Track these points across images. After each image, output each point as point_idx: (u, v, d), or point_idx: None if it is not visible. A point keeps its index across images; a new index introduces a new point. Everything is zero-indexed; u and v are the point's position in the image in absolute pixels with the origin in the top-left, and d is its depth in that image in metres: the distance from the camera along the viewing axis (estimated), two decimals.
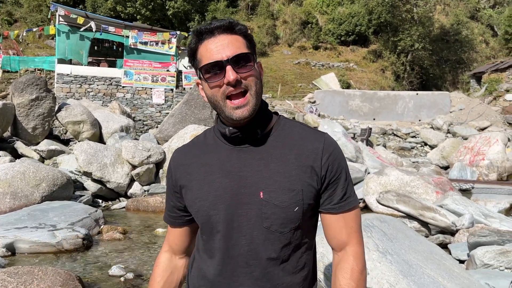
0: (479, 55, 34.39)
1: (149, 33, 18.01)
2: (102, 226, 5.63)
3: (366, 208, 7.52)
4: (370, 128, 17.63)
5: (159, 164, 8.15)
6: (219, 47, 1.07)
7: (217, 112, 1.16)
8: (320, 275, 2.00)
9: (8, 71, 18.13)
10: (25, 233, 4.66)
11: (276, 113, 1.25)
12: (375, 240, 1.88)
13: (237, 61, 1.07)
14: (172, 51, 17.97)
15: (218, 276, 1.17)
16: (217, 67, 1.07)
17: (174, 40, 18.05)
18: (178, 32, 18.83)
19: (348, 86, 27.59)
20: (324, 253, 1.98)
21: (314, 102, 22.81)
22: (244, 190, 1.12)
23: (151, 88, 17.29)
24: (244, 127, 1.12)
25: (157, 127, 15.25)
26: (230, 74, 1.05)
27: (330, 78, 27.33)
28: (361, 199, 7.76)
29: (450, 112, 22.30)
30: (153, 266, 1.40)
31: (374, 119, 22.55)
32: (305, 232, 1.18)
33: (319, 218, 1.23)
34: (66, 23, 17.26)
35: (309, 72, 29.05)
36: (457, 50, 33.40)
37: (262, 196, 1.11)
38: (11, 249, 4.57)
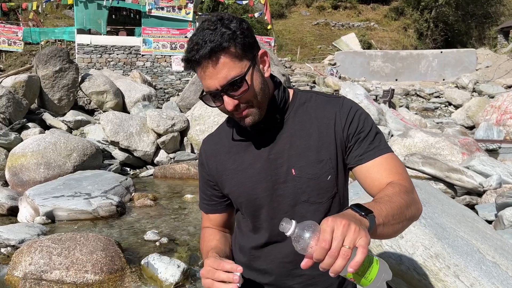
0: (506, 8, 32.71)
1: None
2: (133, 194, 5.84)
3: None
4: (393, 89, 17.32)
5: (183, 132, 8.27)
6: (210, 75, 1.06)
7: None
8: None
9: (29, 43, 18.33)
10: (63, 202, 4.89)
11: (290, 87, 1.27)
12: None
13: (231, 85, 1.06)
14: (190, 17, 17.75)
15: (259, 249, 1.25)
16: (215, 95, 1.09)
17: (190, 5, 17.78)
18: None
19: (369, 46, 26.86)
20: None
21: (335, 64, 22.40)
22: (277, 171, 1.18)
23: (170, 56, 17.27)
24: (263, 118, 1.15)
25: (178, 94, 15.33)
26: (228, 104, 1.08)
27: (350, 39, 26.63)
28: None
29: (476, 70, 21.60)
30: (201, 240, 1.38)
31: (396, 80, 22.09)
32: (343, 198, 1.23)
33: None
34: None
35: (329, 33, 28.31)
36: (484, 3, 31.81)
37: (294, 173, 1.16)
38: (50, 217, 4.81)
